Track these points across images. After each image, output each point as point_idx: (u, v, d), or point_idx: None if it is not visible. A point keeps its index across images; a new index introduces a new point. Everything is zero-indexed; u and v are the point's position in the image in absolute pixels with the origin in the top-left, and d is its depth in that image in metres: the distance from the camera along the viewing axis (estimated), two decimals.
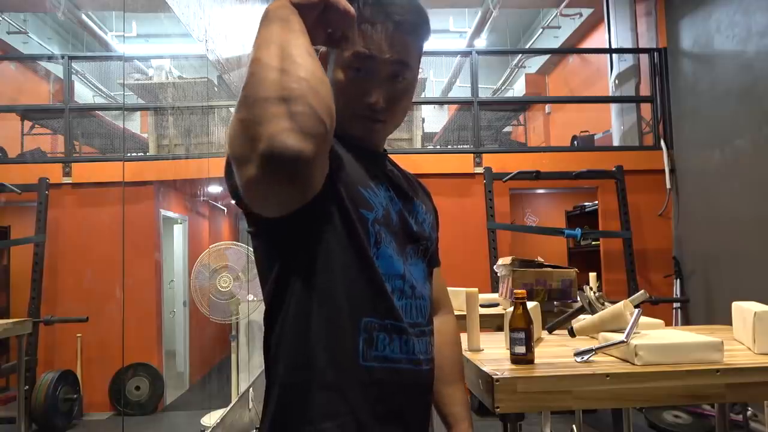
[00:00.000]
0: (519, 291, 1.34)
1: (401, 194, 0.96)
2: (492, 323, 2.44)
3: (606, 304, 1.73)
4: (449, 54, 7.31)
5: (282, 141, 0.64)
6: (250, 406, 3.31)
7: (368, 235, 0.86)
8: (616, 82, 5.18)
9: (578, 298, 1.87)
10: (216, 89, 4.71)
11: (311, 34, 0.75)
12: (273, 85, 0.66)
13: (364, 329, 0.84)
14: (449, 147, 6.64)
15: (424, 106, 6.16)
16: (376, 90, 0.88)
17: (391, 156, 1.02)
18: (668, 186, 4.59)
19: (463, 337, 1.52)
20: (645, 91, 5.00)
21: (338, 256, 0.84)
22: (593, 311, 1.73)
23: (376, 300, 0.85)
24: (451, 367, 1.05)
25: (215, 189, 5.19)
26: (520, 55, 8.06)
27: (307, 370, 0.82)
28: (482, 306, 2.38)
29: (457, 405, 1.04)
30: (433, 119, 7.58)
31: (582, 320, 1.71)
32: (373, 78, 0.88)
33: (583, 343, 1.55)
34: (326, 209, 0.84)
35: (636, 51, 5.08)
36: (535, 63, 8.03)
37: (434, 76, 7.91)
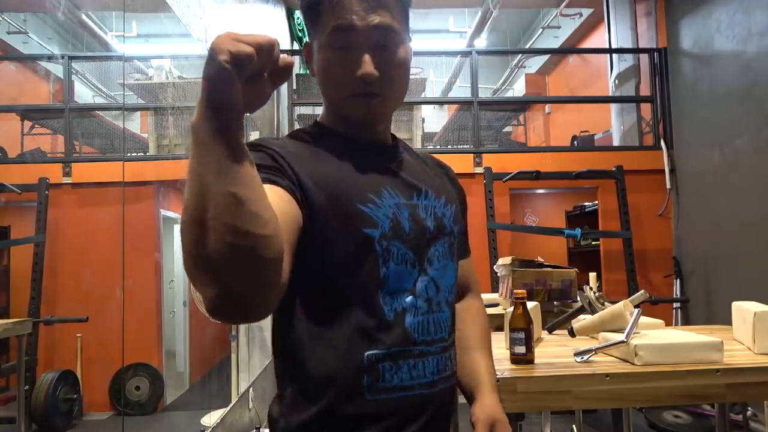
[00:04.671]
0: (519, 291, 1.34)
1: (412, 191, 0.86)
2: (492, 323, 2.44)
3: (606, 304, 1.73)
4: (449, 54, 7.31)
5: (214, 311, 0.60)
6: (250, 406, 3.30)
7: (375, 255, 0.79)
8: (616, 82, 5.17)
9: (578, 298, 1.87)
10: None
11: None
12: (199, 249, 0.56)
13: (367, 363, 0.79)
14: (449, 147, 6.64)
15: (424, 106, 6.16)
16: (365, 61, 0.80)
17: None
18: (668, 186, 4.59)
19: None
20: (645, 91, 5.00)
21: (337, 291, 0.79)
22: (593, 311, 1.73)
23: (378, 329, 0.79)
24: (474, 334, 0.99)
25: None
26: (520, 55, 8.06)
27: (312, 406, 0.79)
28: None
29: (480, 372, 0.95)
30: (433, 119, 7.59)
31: (582, 320, 1.71)
32: (359, 50, 0.80)
33: (583, 343, 1.55)
34: (317, 247, 0.78)
35: (636, 51, 5.08)
36: (535, 63, 8.03)
37: (434, 76, 7.91)
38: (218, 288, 0.58)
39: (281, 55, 0.57)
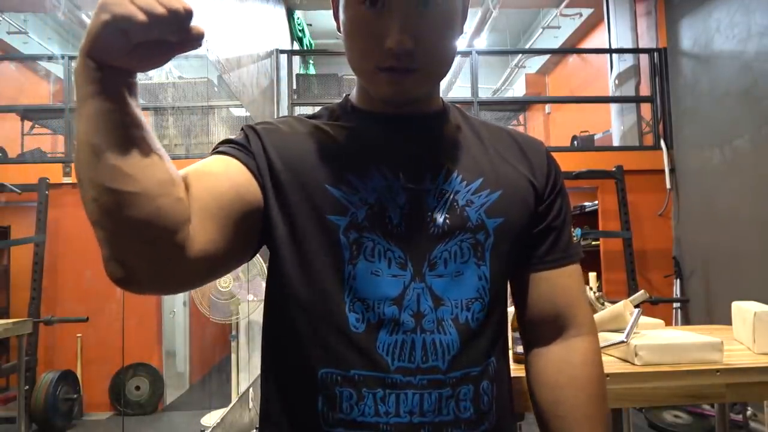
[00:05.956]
0: None
1: (425, 171, 0.68)
2: None
3: (606, 304, 1.73)
4: None
5: (110, 276, 0.60)
6: (250, 406, 3.31)
7: (339, 248, 0.64)
8: (616, 82, 5.18)
9: None
10: (216, 89, 4.71)
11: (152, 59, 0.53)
12: (83, 203, 0.56)
13: (322, 384, 0.64)
14: None
15: None
16: (397, 27, 0.62)
17: None
18: (668, 186, 4.59)
19: None
20: (645, 91, 5.00)
21: (294, 289, 0.67)
22: (593, 311, 1.73)
23: (337, 343, 0.64)
24: (577, 419, 0.73)
25: None
26: (520, 55, 8.06)
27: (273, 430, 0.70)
28: None
29: None
30: None
31: None
32: (393, 9, 0.62)
33: None
34: (279, 234, 0.66)
35: (636, 51, 5.08)
36: (535, 63, 8.03)
37: None
38: (105, 249, 0.57)
39: (194, 26, 0.51)
